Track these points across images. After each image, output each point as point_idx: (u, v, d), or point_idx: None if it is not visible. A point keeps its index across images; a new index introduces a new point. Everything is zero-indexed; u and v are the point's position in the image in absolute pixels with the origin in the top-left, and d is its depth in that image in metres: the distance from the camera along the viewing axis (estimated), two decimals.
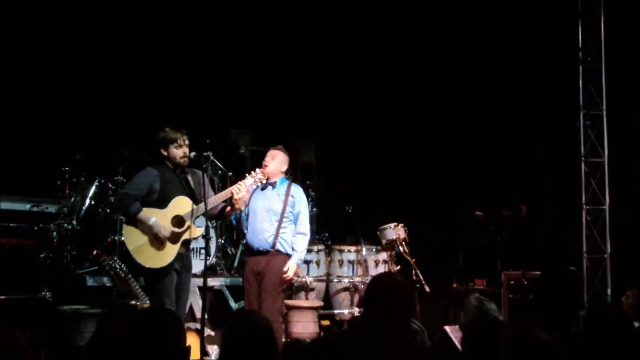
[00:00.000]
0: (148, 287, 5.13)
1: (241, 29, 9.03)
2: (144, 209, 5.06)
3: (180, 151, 5.20)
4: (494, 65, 8.88)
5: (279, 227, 5.68)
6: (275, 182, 5.78)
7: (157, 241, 5.06)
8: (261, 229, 5.68)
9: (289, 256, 5.71)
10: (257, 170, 5.50)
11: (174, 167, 5.24)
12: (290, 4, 8.93)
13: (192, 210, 5.09)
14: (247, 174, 5.48)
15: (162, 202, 5.11)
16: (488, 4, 8.70)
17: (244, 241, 6.03)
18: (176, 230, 5.09)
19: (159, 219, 5.06)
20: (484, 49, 8.91)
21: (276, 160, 5.77)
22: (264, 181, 5.53)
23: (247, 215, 5.76)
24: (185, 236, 5.13)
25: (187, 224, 5.11)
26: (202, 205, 5.08)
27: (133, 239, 5.06)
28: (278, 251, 5.67)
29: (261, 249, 5.67)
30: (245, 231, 5.80)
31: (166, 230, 5.06)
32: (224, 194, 5.23)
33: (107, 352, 2.89)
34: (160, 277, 5.04)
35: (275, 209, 5.71)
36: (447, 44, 9.08)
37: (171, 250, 5.08)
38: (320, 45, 9.25)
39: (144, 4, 8.46)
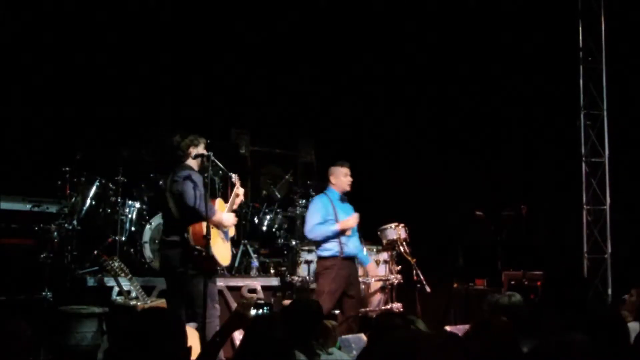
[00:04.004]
0: (193, 290, 5.11)
1: (241, 30, 9.03)
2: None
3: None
4: (494, 65, 8.88)
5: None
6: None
7: (223, 241, 5.33)
8: (357, 237, 6.37)
9: None
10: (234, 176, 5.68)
11: (198, 169, 5.39)
12: (291, 4, 8.93)
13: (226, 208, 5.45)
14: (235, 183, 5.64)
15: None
16: (488, 4, 8.71)
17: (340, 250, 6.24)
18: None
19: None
20: (484, 49, 8.91)
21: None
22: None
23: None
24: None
25: None
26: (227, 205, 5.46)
27: (214, 239, 5.17)
28: None
29: (353, 254, 6.37)
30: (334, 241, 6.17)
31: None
32: (237, 200, 5.58)
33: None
34: (210, 279, 5.19)
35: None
36: (446, 45, 9.07)
37: (229, 248, 5.41)
38: (320, 46, 9.24)
39: (144, 4, 8.46)
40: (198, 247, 5.06)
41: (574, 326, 2.93)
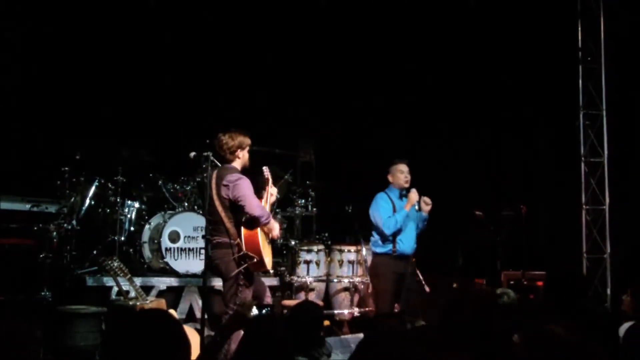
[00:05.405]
0: (240, 294, 5.11)
1: (241, 30, 9.03)
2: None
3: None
4: (493, 64, 8.88)
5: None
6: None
7: (269, 244, 5.35)
8: (412, 237, 6.27)
9: None
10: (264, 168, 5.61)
11: (241, 170, 5.31)
12: (291, 5, 8.93)
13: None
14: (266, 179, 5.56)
15: None
16: (488, 4, 8.70)
17: (394, 249, 6.22)
18: None
19: None
20: (484, 49, 8.91)
21: None
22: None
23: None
24: None
25: None
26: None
27: (262, 244, 5.17)
28: None
29: (406, 253, 6.21)
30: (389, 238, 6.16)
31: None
32: (272, 199, 5.58)
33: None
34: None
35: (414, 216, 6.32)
36: (446, 44, 9.07)
37: (270, 250, 5.38)
38: (320, 46, 9.24)
39: (144, 4, 8.45)
40: (250, 254, 5.05)
41: (570, 325, 2.93)
